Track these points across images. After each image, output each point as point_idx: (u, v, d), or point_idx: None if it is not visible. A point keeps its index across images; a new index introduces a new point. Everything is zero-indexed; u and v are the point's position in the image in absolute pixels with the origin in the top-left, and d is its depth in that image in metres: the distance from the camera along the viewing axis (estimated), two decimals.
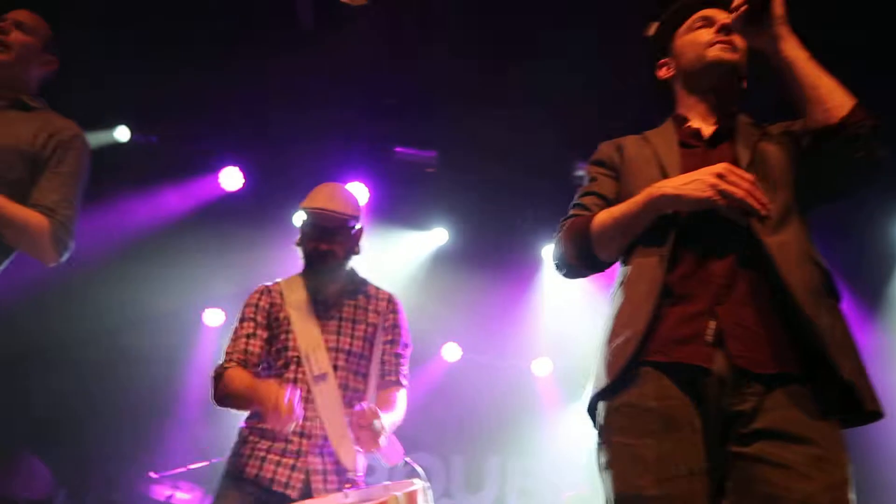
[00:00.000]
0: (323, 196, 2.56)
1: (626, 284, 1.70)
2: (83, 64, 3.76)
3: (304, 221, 2.60)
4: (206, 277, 6.09)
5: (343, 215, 2.54)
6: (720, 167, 1.54)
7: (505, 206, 5.80)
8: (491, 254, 5.98)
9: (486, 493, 6.48)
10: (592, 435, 1.66)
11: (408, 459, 2.26)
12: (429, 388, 6.22)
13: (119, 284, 5.78)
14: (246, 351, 2.48)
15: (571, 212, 1.89)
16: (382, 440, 2.21)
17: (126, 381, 5.71)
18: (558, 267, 1.89)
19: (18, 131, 2.36)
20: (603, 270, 1.83)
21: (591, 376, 1.67)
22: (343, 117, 5.54)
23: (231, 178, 5.97)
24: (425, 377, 6.36)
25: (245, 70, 5.16)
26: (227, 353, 2.50)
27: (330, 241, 2.52)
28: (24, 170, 2.33)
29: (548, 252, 6.02)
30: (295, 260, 2.75)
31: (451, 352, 6.60)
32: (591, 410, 1.68)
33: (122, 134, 5.61)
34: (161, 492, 5.10)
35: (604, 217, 1.74)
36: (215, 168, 5.94)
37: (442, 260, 6.13)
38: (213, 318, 6.59)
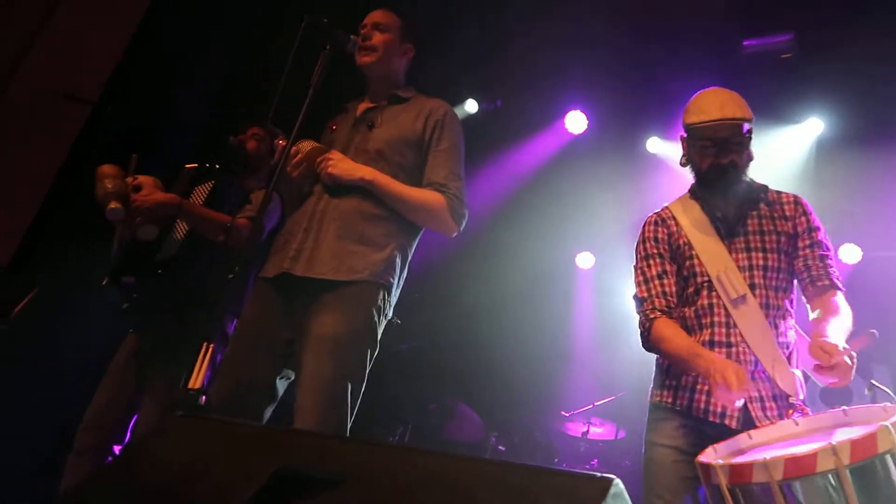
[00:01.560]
0: (713, 105, 2.30)
1: None
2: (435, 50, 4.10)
3: (691, 138, 2.38)
4: (573, 222, 6.28)
5: (740, 120, 2.28)
6: None
7: (886, 71, 4.86)
8: (884, 131, 5.07)
9: None
10: None
11: (874, 381, 1.97)
12: None
13: (501, 243, 6.26)
14: (664, 294, 2.35)
15: None
16: (851, 374, 1.93)
17: (524, 329, 6.17)
18: None
19: (401, 122, 2.64)
20: None
21: None
22: (677, 30, 5.19)
23: (576, 122, 6.02)
24: None
25: (565, 15, 5.11)
26: (644, 298, 2.38)
27: (730, 153, 2.30)
28: (414, 154, 2.60)
29: None
30: (659, 185, 2.62)
31: (850, 253, 5.85)
32: None
33: (471, 106, 6.03)
34: (576, 428, 5.43)
35: None
36: (560, 115, 6.04)
37: (824, 152, 5.43)
38: (585, 261, 6.81)
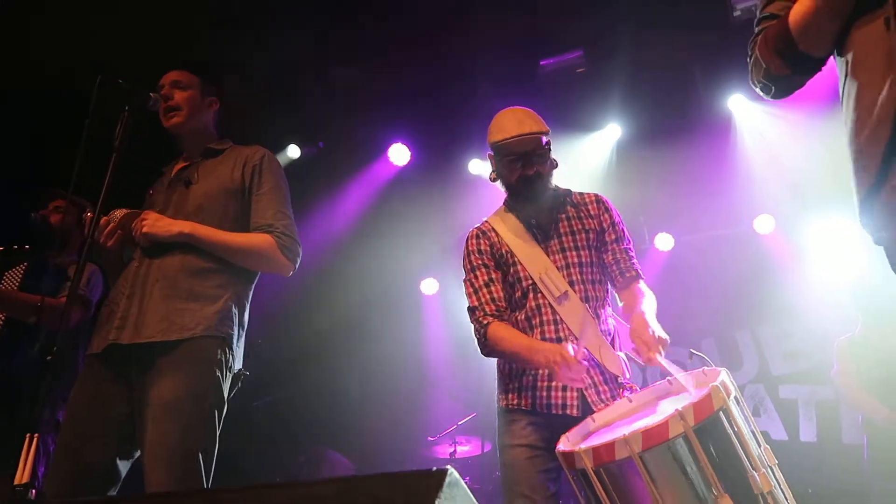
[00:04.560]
0: (511, 123, 2.48)
1: (854, 69, 1.49)
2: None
3: (498, 155, 2.54)
4: (411, 251, 6.39)
5: (538, 133, 2.46)
6: None
7: (668, 74, 5.43)
8: (674, 128, 5.64)
9: (748, 368, 6.24)
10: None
11: (692, 350, 2.19)
12: (651, 282, 6.08)
13: (343, 280, 6.25)
14: (493, 300, 2.47)
15: (759, 27, 1.70)
16: (666, 343, 2.19)
17: (377, 363, 6.19)
18: (765, 88, 1.70)
19: (219, 174, 2.59)
20: (818, 70, 1.63)
21: (854, 181, 1.51)
22: (473, 56, 5.48)
23: (399, 154, 6.17)
24: (645, 272, 6.24)
25: (368, 47, 5.27)
26: (475, 308, 2.49)
27: (534, 164, 2.47)
28: (237, 203, 2.56)
29: (735, 103, 5.59)
30: (485, 199, 2.77)
31: (663, 241, 6.39)
32: (866, 215, 1.50)
33: (293, 152, 6.02)
34: (444, 450, 5.50)
35: (800, 9, 1.53)
36: (383, 149, 6.18)
37: (625, 153, 5.91)
38: (429, 287, 6.95)
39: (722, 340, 6.32)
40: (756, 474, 1.75)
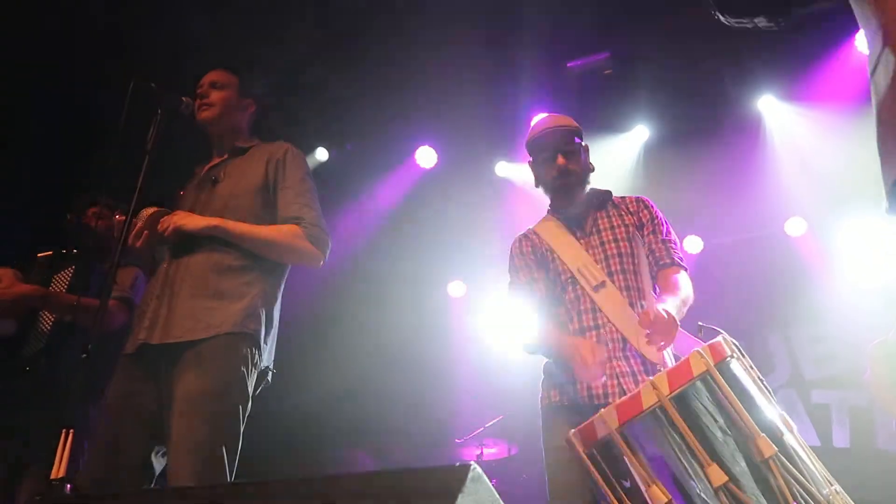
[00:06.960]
0: (546, 121, 2.65)
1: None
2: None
3: (534, 153, 2.67)
4: (439, 254, 6.40)
5: (568, 128, 2.62)
6: None
7: (698, 75, 5.37)
8: (703, 129, 5.57)
9: (779, 372, 6.14)
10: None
11: (700, 323, 2.10)
12: None
13: (370, 282, 6.29)
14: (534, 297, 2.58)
15: None
16: (675, 330, 2.15)
17: (404, 364, 6.19)
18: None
19: (245, 171, 2.62)
20: None
21: (883, 166, 1.44)
22: (501, 59, 5.47)
23: (426, 157, 6.19)
24: None
25: (395, 50, 5.28)
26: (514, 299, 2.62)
27: (568, 156, 2.58)
28: (263, 199, 2.57)
29: (765, 104, 5.51)
30: (514, 206, 2.84)
31: (692, 244, 6.33)
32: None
33: (321, 154, 6.07)
34: (470, 453, 5.49)
35: None
36: (410, 152, 6.19)
37: (654, 154, 5.86)
38: (457, 289, 6.95)
39: (753, 344, 6.21)
40: (758, 440, 1.63)
